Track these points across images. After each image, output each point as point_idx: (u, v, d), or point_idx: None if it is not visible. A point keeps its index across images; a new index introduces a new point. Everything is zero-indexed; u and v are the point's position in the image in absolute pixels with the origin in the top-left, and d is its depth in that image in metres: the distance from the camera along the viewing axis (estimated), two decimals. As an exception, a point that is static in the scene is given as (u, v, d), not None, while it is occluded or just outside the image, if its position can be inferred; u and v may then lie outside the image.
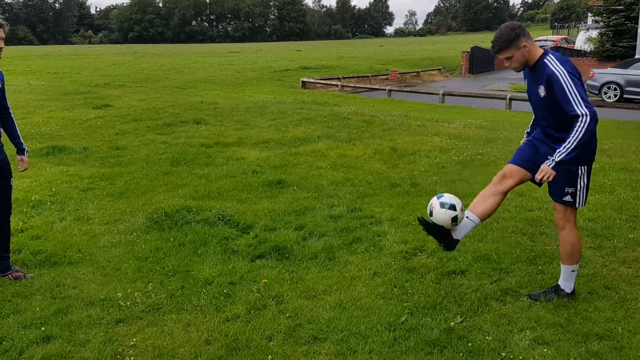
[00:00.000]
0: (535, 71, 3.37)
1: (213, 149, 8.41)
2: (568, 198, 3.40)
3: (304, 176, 6.73)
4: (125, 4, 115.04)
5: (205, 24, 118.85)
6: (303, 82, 22.46)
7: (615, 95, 18.03)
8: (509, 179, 3.54)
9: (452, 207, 3.40)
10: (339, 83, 22.26)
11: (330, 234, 4.75)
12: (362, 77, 25.79)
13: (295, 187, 6.23)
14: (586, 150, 3.29)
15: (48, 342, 3.07)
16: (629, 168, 7.31)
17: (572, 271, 3.54)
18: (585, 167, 3.38)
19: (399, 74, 26.67)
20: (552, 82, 3.22)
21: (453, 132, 10.08)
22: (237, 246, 4.47)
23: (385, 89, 19.80)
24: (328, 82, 22.86)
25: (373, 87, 22.06)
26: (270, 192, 6.06)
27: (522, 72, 3.57)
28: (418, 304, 3.50)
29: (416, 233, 4.78)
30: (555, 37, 36.17)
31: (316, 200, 5.76)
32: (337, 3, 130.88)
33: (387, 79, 25.93)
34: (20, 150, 4.04)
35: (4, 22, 3.57)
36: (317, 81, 22.94)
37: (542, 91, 3.32)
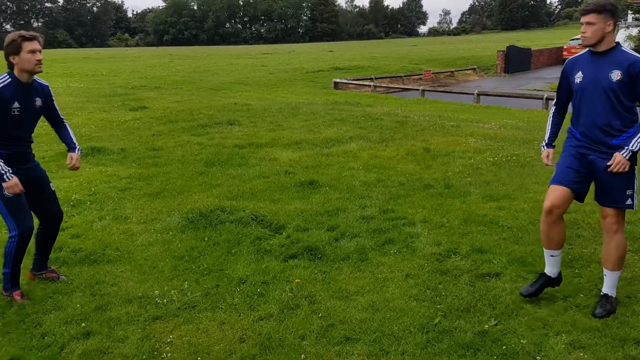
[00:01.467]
0: (606, 56, 3.29)
1: (246, 150, 8.50)
2: (629, 201, 3.32)
3: (336, 177, 6.75)
4: (161, 7, 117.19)
5: (238, 25, 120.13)
6: (335, 82, 22.48)
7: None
8: (557, 210, 3.41)
9: None
10: (371, 83, 22.21)
11: (363, 235, 4.76)
12: (395, 77, 25.67)
13: (327, 188, 6.26)
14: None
15: (88, 337, 3.16)
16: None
17: (618, 278, 3.47)
18: (636, 166, 3.33)
19: (432, 73, 26.45)
20: (636, 68, 3.18)
21: (488, 132, 9.96)
22: (270, 246, 4.52)
23: (418, 89, 19.67)
24: (360, 82, 22.83)
25: (406, 87, 21.94)
26: (303, 193, 6.10)
27: (567, 64, 3.52)
28: (451, 307, 3.48)
29: (450, 235, 4.75)
30: (593, 35, 35.22)
31: (348, 201, 5.77)
32: (370, 3, 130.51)
33: (420, 79, 25.75)
34: (72, 149, 3.96)
35: (37, 34, 3.60)
36: (350, 82, 22.93)
37: (616, 75, 3.23)
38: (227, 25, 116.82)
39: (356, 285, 3.81)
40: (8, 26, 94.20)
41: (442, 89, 21.41)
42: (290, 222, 5.05)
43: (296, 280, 3.81)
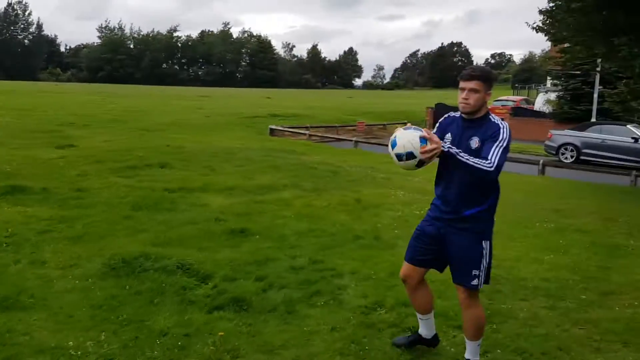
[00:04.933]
0: (474, 123, 3.23)
1: (177, 194, 8.35)
2: (475, 282, 3.26)
3: (268, 225, 6.73)
4: (96, 44, 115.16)
5: (176, 67, 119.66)
6: (271, 129, 22.66)
7: (572, 157, 18.74)
8: (410, 279, 3.52)
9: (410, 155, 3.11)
10: (306, 132, 22.53)
11: (291, 286, 4.73)
12: (330, 127, 26.18)
13: (258, 237, 6.22)
14: (490, 222, 3.31)
15: (-10, 394, 2.94)
16: (583, 229, 7.55)
17: (478, 345, 3.45)
18: (489, 242, 3.30)
19: (366, 125, 27.19)
20: (491, 132, 3.15)
21: (417, 186, 10.28)
22: (195, 296, 4.41)
23: (352, 140, 20.12)
24: (296, 130, 23.12)
25: (340, 137, 22.40)
26: (233, 241, 6.03)
27: (444, 119, 3.45)
28: (375, 361, 3.50)
29: (376, 287, 4.81)
30: (516, 98, 37.56)
31: (279, 250, 5.75)
32: (308, 54, 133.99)
33: (354, 130, 26.38)
34: None
35: None
36: (286, 129, 23.17)
37: (475, 142, 3.18)
38: (165, 65, 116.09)
39: (282, 338, 3.76)
40: None
41: (374, 140, 21.98)
42: (217, 272, 4.95)
43: (220, 333, 3.72)
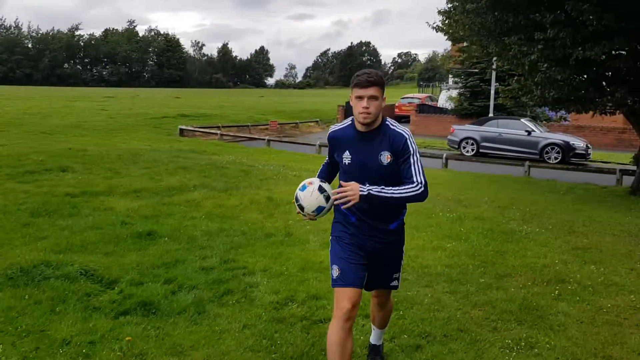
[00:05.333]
0: (374, 134, 2.95)
1: (79, 199, 7.98)
2: (395, 283, 3.29)
3: (177, 227, 6.61)
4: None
5: (78, 67, 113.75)
6: (181, 129, 22.17)
7: (472, 150, 19.78)
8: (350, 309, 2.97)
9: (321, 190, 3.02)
10: (218, 132, 22.25)
11: (201, 287, 4.68)
12: (242, 126, 26.01)
13: (166, 239, 6.09)
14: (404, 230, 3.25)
15: None
16: (481, 217, 8.02)
17: (384, 331, 3.61)
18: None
19: (278, 124, 27.24)
20: (400, 144, 2.91)
21: (327, 182, 10.44)
22: (100, 302, 4.26)
23: (264, 139, 20.11)
24: (207, 130, 22.77)
25: (253, 136, 22.32)
26: (140, 245, 5.86)
27: (331, 136, 3.12)
28: (286, 355, 3.55)
29: (288, 283, 4.86)
30: (420, 95, 39.09)
31: (188, 252, 5.67)
32: (219, 52, 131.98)
33: (267, 129, 26.36)
34: None
35: None
36: (196, 129, 22.76)
37: (386, 157, 2.92)
38: (66, 65, 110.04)
39: (191, 339, 3.72)
40: None
41: (287, 139, 22.11)
42: (123, 276, 4.80)
43: (127, 338, 3.62)
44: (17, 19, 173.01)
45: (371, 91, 2.85)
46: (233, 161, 12.96)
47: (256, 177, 10.62)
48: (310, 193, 3.00)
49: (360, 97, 2.88)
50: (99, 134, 19.23)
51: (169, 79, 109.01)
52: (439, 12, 12.80)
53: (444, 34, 13.12)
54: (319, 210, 3.00)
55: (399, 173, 2.94)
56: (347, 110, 31.18)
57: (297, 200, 3.04)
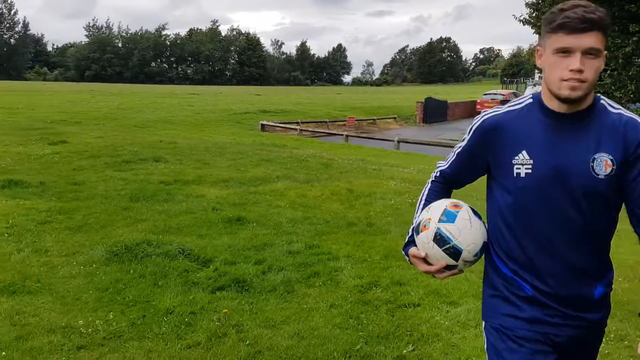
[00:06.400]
0: (583, 120, 1.65)
1: (172, 186, 8.48)
2: None
3: (263, 214, 6.89)
4: (83, 43, 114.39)
5: (164, 65, 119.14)
6: (262, 125, 22.80)
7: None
8: None
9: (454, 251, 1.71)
10: (297, 127, 22.70)
11: (289, 269, 4.90)
12: (321, 122, 26.37)
13: (254, 224, 6.38)
14: None
15: (8, 367, 3.09)
16: None
17: None
18: None
19: (356, 120, 27.40)
20: (635, 141, 1.62)
21: (407, 176, 10.47)
22: (198, 278, 4.57)
23: (342, 134, 20.32)
24: (287, 125, 23.28)
25: (331, 132, 22.60)
26: (230, 229, 6.18)
27: (487, 123, 1.76)
28: (372, 334, 3.68)
29: (371, 269, 4.99)
30: (504, 92, 37.99)
31: (275, 236, 5.92)
32: (297, 51, 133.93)
33: (344, 125, 26.58)
34: None
35: None
36: (276, 124, 23.32)
37: (604, 165, 1.62)
38: (153, 64, 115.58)
39: (282, 315, 3.93)
40: None
41: (365, 135, 22.21)
42: (217, 256, 5.11)
43: (224, 310, 3.89)
44: (108, 19, 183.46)
45: (590, 40, 1.56)
46: (313, 155, 13.22)
47: (336, 170, 10.80)
48: (468, 223, 1.75)
49: (566, 51, 1.58)
50: (187, 128, 20.16)
51: (250, 76, 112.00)
52: (527, 5, 12.48)
53: (532, 27, 12.76)
54: (483, 248, 1.78)
55: (622, 196, 1.68)
56: (427, 108, 30.83)
57: (443, 241, 1.71)
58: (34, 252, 5.17)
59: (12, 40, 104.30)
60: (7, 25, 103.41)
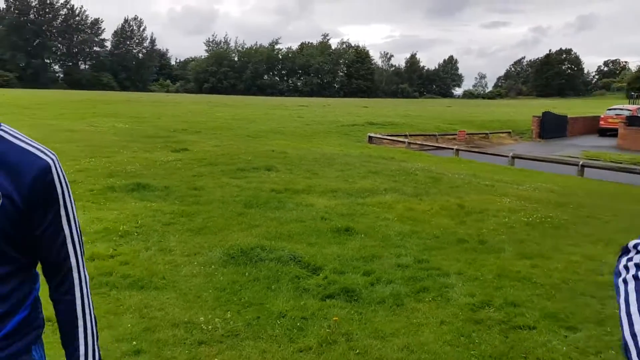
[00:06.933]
0: None
1: (283, 195, 8.77)
2: None
3: (371, 226, 6.93)
4: (202, 57, 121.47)
5: (276, 78, 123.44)
6: (370, 137, 22.89)
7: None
8: None
9: None
10: (405, 140, 22.53)
11: (398, 282, 4.89)
12: (429, 135, 25.99)
13: (362, 235, 6.43)
14: None
15: (138, 355, 3.35)
16: None
17: None
18: None
19: (466, 134, 26.70)
20: None
21: (522, 194, 10.05)
22: (308, 285, 4.69)
23: (452, 148, 19.89)
24: (395, 138, 23.19)
25: (440, 145, 22.21)
26: (339, 238, 6.28)
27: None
28: (484, 353, 3.58)
29: (483, 287, 4.85)
30: (631, 107, 35.23)
31: (383, 249, 5.93)
32: (406, 63, 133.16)
33: (454, 138, 26.00)
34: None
35: None
36: (384, 137, 23.31)
37: None
38: (265, 77, 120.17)
39: (391, 327, 3.93)
40: (57, 67, 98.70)
41: (476, 149, 21.56)
42: (327, 265, 5.22)
43: (334, 318, 3.96)
44: (226, 34, 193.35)
45: None
46: (422, 168, 13.07)
47: (446, 185, 10.60)
48: None
49: None
50: (296, 139, 20.73)
51: (357, 89, 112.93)
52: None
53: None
54: None
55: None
56: (544, 122, 29.36)
57: None
58: (159, 250, 5.58)
59: (140, 55, 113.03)
60: (137, 40, 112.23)
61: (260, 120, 28.36)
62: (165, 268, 5.03)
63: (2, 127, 1.38)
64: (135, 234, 6.13)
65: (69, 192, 1.42)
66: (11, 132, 1.39)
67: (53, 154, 1.40)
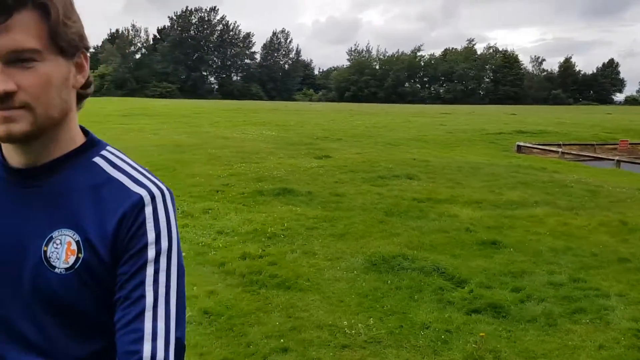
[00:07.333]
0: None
1: (425, 204, 8.63)
2: None
3: (521, 240, 6.56)
4: (344, 66, 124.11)
5: (417, 85, 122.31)
6: (519, 146, 21.76)
7: None
8: None
9: None
10: (559, 149, 21.09)
11: (550, 301, 4.57)
12: (586, 144, 24.08)
13: (511, 250, 6.11)
14: None
15: (286, 353, 3.49)
16: None
17: None
18: None
19: (629, 144, 24.33)
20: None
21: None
22: (452, 298, 4.56)
23: (613, 159, 18.23)
24: (546, 147, 21.80)
25: (598, 156, 20.48)
26: (485, 252, 6.04)
27: None
28: (654, 388, 3.21)
29: (651, 313, 4.37)
30: None
31: (534, 265, 5.59)
32: (560, 67, 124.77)
33: (615, 148, 23.81)
34: None
35: None
36: (534, 146, 22.03)
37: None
38: (406, 84, 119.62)
39: (543, 348, 3.69)
40: (212, 78, 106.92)
41: (640, 161, 19.57)
42: (472, 278, 5.03)
43: (480, 334, 3.80)
44: (368, 43, 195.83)
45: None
46: (577, 180, 12.13)
47: (605, 198, 9.73)
48: None
49: None
50: (438, 147, 20.34)
51: (504, 95, 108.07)
52: None
53: None
54: None
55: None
56: None
57: None
58: (303, 253, 5.77)
59: (286, 66, 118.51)
60: (283, 52, 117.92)
61: (400, 128, 28.27)
62: (309, 271, 5.19)
63: (102, 153, 1.02)
64: (282, 236, 6.41)
65: (170, 243, 0.95)
66: (112, 160, 1.01)
67: (158, 187, 0.98)
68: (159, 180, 1.02)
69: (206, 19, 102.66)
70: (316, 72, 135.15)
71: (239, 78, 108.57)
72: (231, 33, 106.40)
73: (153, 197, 0.96)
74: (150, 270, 0.92)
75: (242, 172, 11.18)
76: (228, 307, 4.22)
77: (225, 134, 21.19)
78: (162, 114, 31.30)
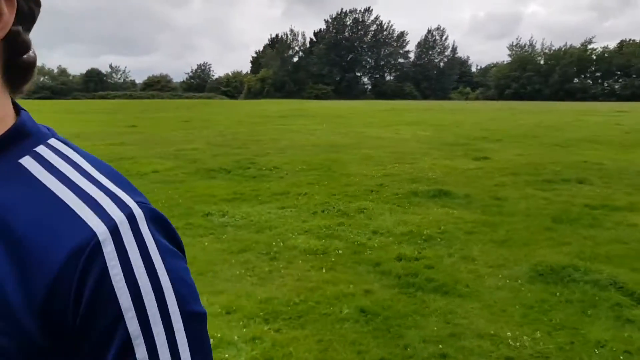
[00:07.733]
0: None
1: (599, 211, 7.88)
2: None
3: None
4: (505, 62, 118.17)
5: (588, 81, 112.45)
6: None
7: None
8: None
9: None
10: None
11: None
12: None
13: None
14: None
15: (444, 359, 3.39)
16: None
17: None
18: None
19: None
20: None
21: None
22: (633, 316, 4.10)
23: None
24: None
25: None
26: (672, 267, 5.34)
27: None
28: None
29: None
30: None
31: None
32: None
33: None
34: None
35: None
36: None
37: None
38: (575, 80, 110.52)
39: None
40: (365, 79, 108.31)
41: None
42: (657, 295, 4.49)
43: (669, 360, 3.37)
44: (531, 37, 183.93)
45: None
46: None
47: None
48: None
49: None
50: (614, 149, 18.49)
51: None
52: None
53: None
54: None
55: None
56: None
57: None
58: (462, 258, 5.58)
59: (441, 64, 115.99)
60: (438, 50, 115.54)
61: (569, 128, 26.21)
62: (468, 277, 5.00)
63: (38, 149, 0.62)
64: (439, 239, 6.27)
65: (161, 301, 0.57)
66: (52, 161, 0.61)
67: (126, 207, 0.58)
68: (134, 193, 0.61)
69: (360, 19, 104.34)
70: (473, 69, 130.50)
71: (392, 78, 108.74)
72: (385, 33, 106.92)
73: (115, 229, 0.56)
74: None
75: (396, 172, 11.15)
76: (384, 307, 4.22)
77: (379, 134, 21.33)
78: (318, 115, 32.44)
